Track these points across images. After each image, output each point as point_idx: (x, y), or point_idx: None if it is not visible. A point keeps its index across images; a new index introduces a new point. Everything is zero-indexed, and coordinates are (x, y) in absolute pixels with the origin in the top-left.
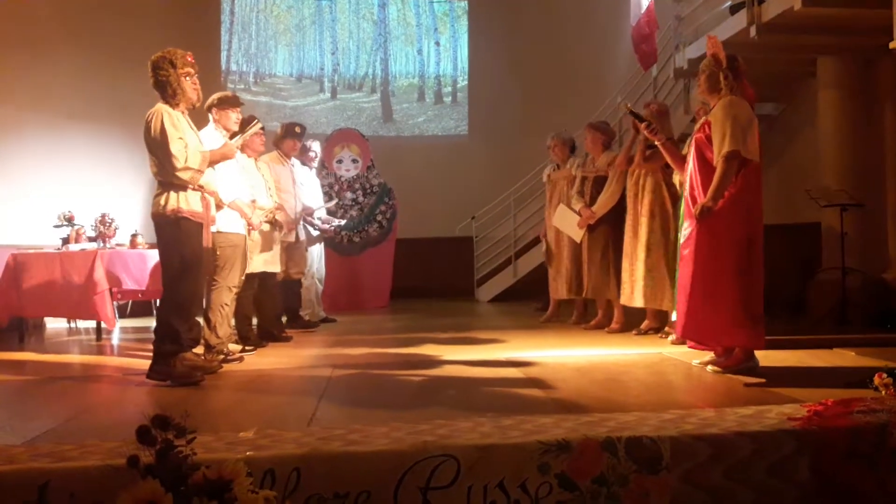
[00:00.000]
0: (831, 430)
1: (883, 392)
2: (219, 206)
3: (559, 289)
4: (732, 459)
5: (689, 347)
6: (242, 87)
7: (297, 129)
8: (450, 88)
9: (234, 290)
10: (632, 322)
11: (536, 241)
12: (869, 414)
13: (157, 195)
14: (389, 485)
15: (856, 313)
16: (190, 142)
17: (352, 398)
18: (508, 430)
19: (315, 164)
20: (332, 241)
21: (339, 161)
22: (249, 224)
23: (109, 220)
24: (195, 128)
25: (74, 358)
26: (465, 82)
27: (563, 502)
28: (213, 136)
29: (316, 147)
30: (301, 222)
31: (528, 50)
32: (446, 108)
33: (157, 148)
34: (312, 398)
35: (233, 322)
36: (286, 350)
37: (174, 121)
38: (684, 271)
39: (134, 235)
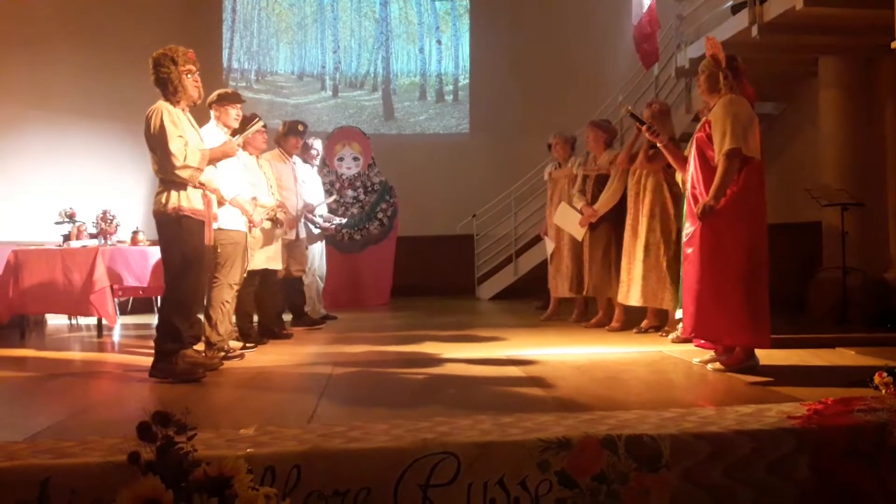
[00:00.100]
0: (831, 428)
1: (883, 391)
2: (220, 203)
3: (560, 287)
4: (732, 458)
5: (697, 346)
6: (244, 84)
7: (300, 128)
8: (451, 87)
9: (235, 288)
10: (632, 320)
11: (537, 239)
12: (869, 413)
13: (159, 193)
14: (389, 482)
15: (856, 313)
16: (190, 139)
17: (352, 396)
18: (508, 428)
19: (317, 161)
20: (334, 239)
21: (341, 159)
22: (251, 221)
23: (111, 217)
24: (196, 125)
25: (75, 355)
26: (467, 81)
27: (563, 500)
28: (214, 132)
29: (318, 145)
30: (302, 220)
31: (530, 49)
32: (447, 107)
33: (157, 146)
34: (313, 395)
35: (234, 319)
36: (287, 347)
37: (174, 118)
38: (689, 270)
39: (135, 232)
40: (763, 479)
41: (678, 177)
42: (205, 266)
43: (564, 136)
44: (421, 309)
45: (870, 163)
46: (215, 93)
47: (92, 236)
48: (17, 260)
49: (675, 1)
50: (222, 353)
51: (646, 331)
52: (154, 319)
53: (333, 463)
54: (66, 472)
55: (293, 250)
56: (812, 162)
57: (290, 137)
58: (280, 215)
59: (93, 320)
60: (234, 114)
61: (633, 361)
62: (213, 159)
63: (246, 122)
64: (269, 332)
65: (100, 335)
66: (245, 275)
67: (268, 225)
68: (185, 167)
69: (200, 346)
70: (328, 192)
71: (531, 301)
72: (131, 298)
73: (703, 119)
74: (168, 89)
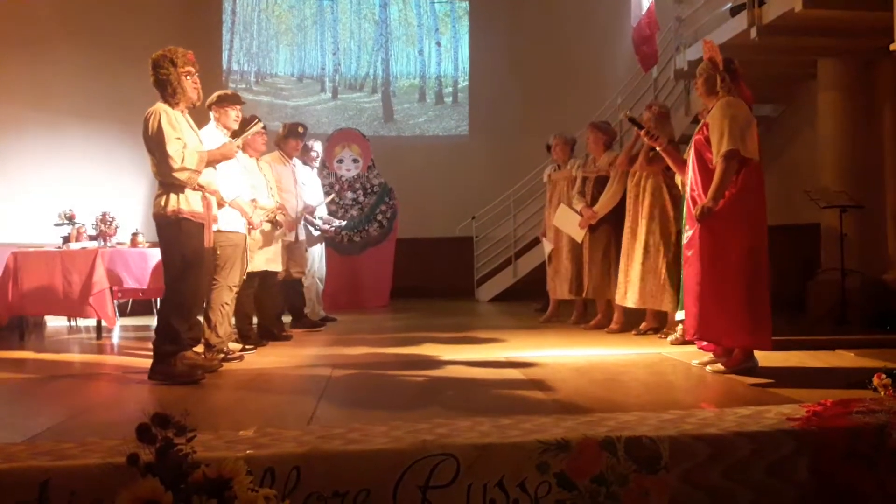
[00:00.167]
0: (830, 430)
1: (882, 393)
2: (220, 205)
3: (559, 289)
4: (731, 459)
5: (700, 348)
6: (244, 86)
7: (300, 130)
8: (450, 89)
9: (235, 290)
10: (631, 322)
11: (537, 241)
12: (868, 414)
13: (158, 196)
14: (389, 483)
15: (855, 314)
16: (189, 141)
17: (351, 397)
18: (507, 430)
19: (317, 163)
20: (333, 241)
21: (340, 161)
22: (250, 223)
23: (110, 219)
24: (195, 127)
25: (75, 356)
26: (466, 83)
27: (562, 501)
28: (213, 134)
29: (318, 147)
30: (302, 222)
31: (529, 50)
32: (447, 109)
33: (155, 148)
34: (312, 397)
35: (233, 321)
36: (286, 349)
37: (172, 120)
38: (690, 273)
39: (135, 234)
40: (762, 481)
41: (678, 179)
42: (205, 268)
43: (564, 138)
44: (420, 311)
45: (869, 165)
46: (215, 94)
47: (91, 238)
48: (17, 262)
49: (675, 3)
50: (222, 355)
51: (645, 333)
52: (153, 321)
53: (333, 464)
54: (65, 474)
55: (293, 252)
56: (811, 164)
57: (290, 140)
58: (280, 217)
59: (92, 322)
60: (234, 115)
61: (633, 363)
62: (212, 161)
63: (245, 123)
64: (269, 333)
65: (99, 337)
66: (244, 277)
67: (267, 227)
68: (183, 169)
69: (200, 348)
70: (326, 194)
71: (530, 303)
72: (131, 300)
73: (702, 122)
74: (167, 91)
